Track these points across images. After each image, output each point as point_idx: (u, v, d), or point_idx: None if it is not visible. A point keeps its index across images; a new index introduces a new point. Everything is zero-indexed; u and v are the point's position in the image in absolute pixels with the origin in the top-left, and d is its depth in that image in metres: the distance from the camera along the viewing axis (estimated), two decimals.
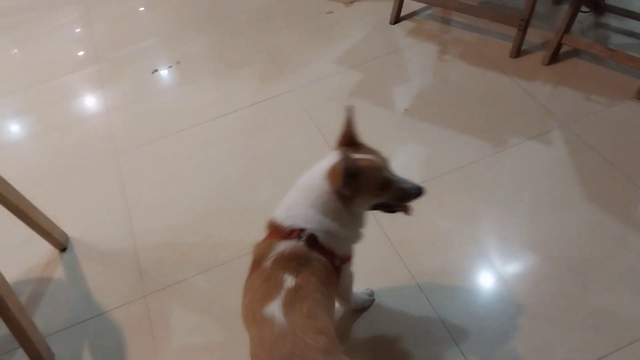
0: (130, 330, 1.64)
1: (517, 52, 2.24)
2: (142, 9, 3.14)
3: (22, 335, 1.53)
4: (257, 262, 1.23)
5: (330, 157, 1.24)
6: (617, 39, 2.23)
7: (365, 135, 2.04)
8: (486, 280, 1.57)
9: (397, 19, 2.57)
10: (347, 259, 1.33)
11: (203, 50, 2.71)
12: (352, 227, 1.28)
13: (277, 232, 1.24)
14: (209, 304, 1.65)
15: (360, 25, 2.62)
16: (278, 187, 1.96)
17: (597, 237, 1.61)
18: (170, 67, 2.62)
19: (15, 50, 3.01)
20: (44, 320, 1.70)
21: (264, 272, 1.21)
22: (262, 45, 2.63)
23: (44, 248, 1.88)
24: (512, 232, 1.65)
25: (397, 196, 1.25)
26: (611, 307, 1.45)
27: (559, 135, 1.92)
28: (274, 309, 1.16)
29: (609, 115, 1.95)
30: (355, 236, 1.32)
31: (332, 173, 1.20)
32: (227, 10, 2.93)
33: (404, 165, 1.94)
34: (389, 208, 1.29)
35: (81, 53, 2.83)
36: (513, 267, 1.58)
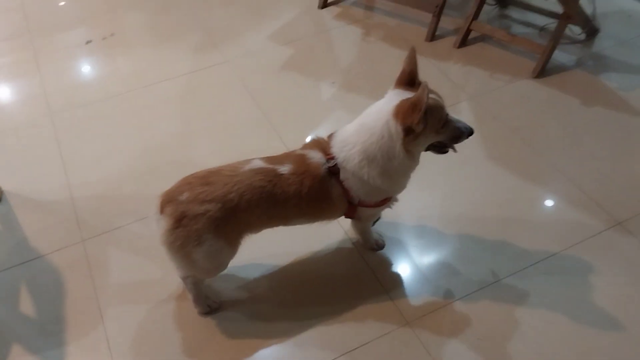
0: (69, 271, 1.70)
1: (432, 37, 2.49)
2: None
3: None
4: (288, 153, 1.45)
5: (392, 96, 1.31)
6: (517, 28, 2.52)
7: (297, 103, 2.22)
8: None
9: (325, 4, 2.76)
10: (369, 204, 1.43)
11: (137, 24, 2.78)
12: (398, 175, 1.38)
13: (320, 146, 1.40)
14: (145, 247, 1.74)
15: (290, 7, 2.78)
16: (214, 145, 2.09)
17: (494, 188, 1.85)
18: (104, 38, 2.67)
19: None
20: None
21: (287, 154, 1.44)
22: (196, 20, 2.74)
23: None
24: (428, 184, 1.85)
25: (453, 135, 1.36)
26: (507, 239, 1.69)
27: (467, 106, 2.17)
28: (257, 160, 1.40)
29: (508, 90, 2.22)
30: (397, 184, 1.42)
31: (406, 109, 1.26)
32: None
33: (330, 128, 2.11)
34: (440, 148, 1.40)
35: (13, 22, 2.82)
36: (428, 211, 1.79)
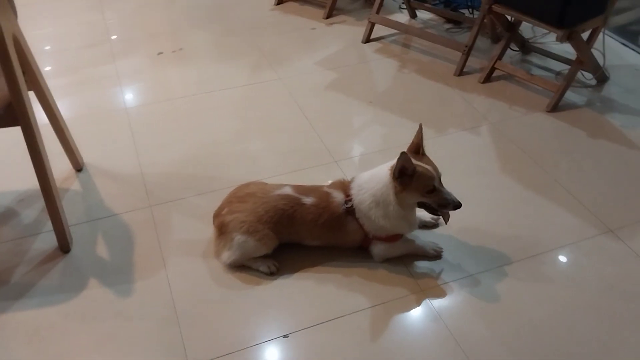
0: (138, 228, 2.01)
1: (460, 72, 2.83)
2: (150, 7, 3.61)
3: (56, 215, 1.87)
4: (316, 187, 1.84)
5: (398, 157, 1.69)
6: (536, 71, 2.86)
7: (338, 115, 2.56)
8: None
9: (367, 39, 3.14)
10: (382, 238, 1.80)
11: (203, 42, 3.20)
12: (395, 218, 1.73)
13: (343, 187, 1.80)
14: (203, 215, 2.03)
15: (338, 41, 3.18)
16: (265, 143, 2.42)
17: (507, 197, 2.14)
18: (174, 51, 3.08)
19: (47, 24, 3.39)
20: None
21: (315, 188, 1.83)
22: (255, 45, 3.14)
23: (65, 166, 2.24)
24: (447, 184, 2.14)
25: (439, 203, 1.72)
26: (513, 235, 1.96)
27: (486, 130, 2.48)
28: (287, 187, 1.82)
29: (525, 120, 2.54)
30: (397, 227, 1.77)
31: (394, 168, 1.66)
32: (225, 15, 3.45)
33: (366, 138, 2.45)
34: (431, 210, 1.75)
35: (95, 34, 3.25)
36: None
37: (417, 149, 1.74)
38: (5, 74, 1.64)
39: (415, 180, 1.66)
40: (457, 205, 1.70)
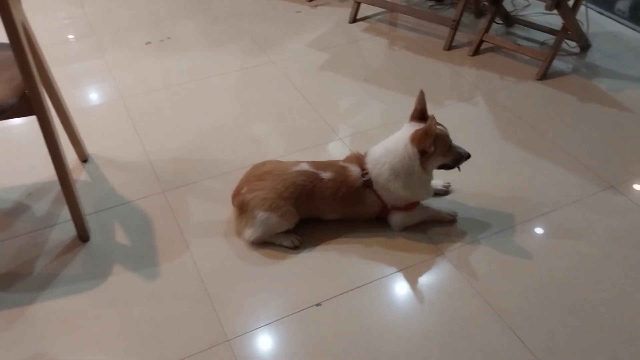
0: (154, 213, 2.01)
1: (449, 46, 2.90)
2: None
3: (74, 205, 1.86)
4: (332, 162, 1.88)
5: (408, 127, 1.77)
6: (521, 43, 2.95)
7: (336, 94, 2.60)
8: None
9: (354, 20, 3.18)
10: (400, 207, 1.85)
11: (190, 30, 3.18)
12: (416, 186, 1.79)
13: (359, 161, 1.84)
14: (218, 197, 2.05)
15: (324, 22, 3.21)
16: (267, 125, 2.44)
17: (509, 160, 2.22)
18: (162, 40, 3.06)
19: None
20: None
21: (332, 163, 1.86)
22: (242, 31, 3.14)
23: (70, 157, 2.21)
24: None
25: (454, 159, 1.80)
26: (519, 197, 2.04)
27: (482, 100, 2.56)
28: (304, 164, 1.84)
29: (516, 89, 2.62)
30: (418, 194, 1.83)
31: (420, 136, 1.69)
32: (208, 3, 3.44)
33: (367, 114, 2.50)
34: (447, 167, 1.83)
35: (78, 28, 3.20)
36: (454, 176, 2.14)
37: (421, 115, 1.81)
38: (18, 62, 1.62)
39: (438, 141, 1.73)
40: (469, 156, 1.81)
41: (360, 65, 2.84)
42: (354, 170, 1.83)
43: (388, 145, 1.81)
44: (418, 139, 1.72)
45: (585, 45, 2.86)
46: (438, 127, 1.73)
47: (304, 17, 3.27)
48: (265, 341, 1.59)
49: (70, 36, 3.12)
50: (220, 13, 3.34)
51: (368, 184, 1.81)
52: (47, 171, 2.14)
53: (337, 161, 1.89)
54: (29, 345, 1.59)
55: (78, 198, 1.88)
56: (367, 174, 1.81)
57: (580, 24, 2.83)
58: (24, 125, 2.35)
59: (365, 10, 3.22)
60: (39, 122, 1.72)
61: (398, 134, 1.81)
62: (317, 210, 1.88)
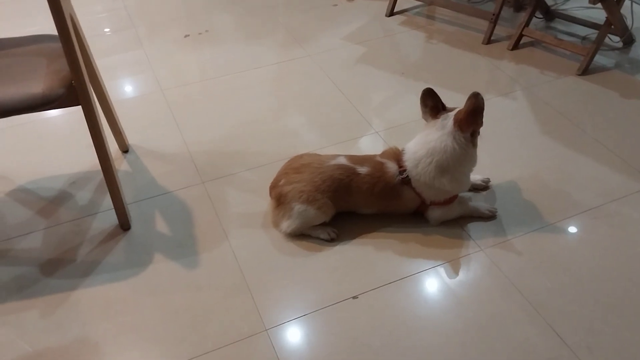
0: (194, 203, 2.04)
1: (488, 40, 2.87)
2: None
3: (116, 194, 1.90)
4: (369, 156, 1.87)
5: (439, 123, 1.74)
6: (562, 37, 2.89)
7: (373, 88, 2.59)
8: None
9: (391, 13, 3.16)
10: (439, 202, 1.84)
11: (227, 23, 3.21)
12: (462, 175, 1.79)
13: (396, 157, 1.83)
14: (256, 188, 2.07)
15: (361, 15, 3.20)
16: (304, 118, 2.45)
17: (549, 155, 2.18)
18: (200, 33, 3.09)
19: None
20: None
21: (369, 157, 1.86)
22: (278, 24, 3.15)
23: (111, 147, 2.25)
24: (492, 149, 2.19)
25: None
26: (559, 193, 2.01)
27: (522, 95, 2.52)
28: (341, 158, 1.84)
29: (557, 84, 2.58)
30: (464, 184, 1.82)
31: (467, 117, 1.68)
32: None
33: (403, 108, 2.48)
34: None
35: (118, 20, 3.26)
36: (493, 171, 2.12)
37: (437, 108, 1.79)
38: (66, 53, 1.66)
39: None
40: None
41: (397, 59, 2.83)
42: (392, 167, 1.82)
43: (430, 145, 1.76)
44: (468, 122, 1.69)
45: (628, 40, 2.79)
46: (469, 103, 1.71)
47: (341, 10, 3.27)
48: (302, 332, 1.61)
49: (107, 29, 3.18)
50: (256, 5, 3.36)
51: (406, 181, 1.81)
52: (89, 161, 2.19)
53: (374, 156, 1.89)
54: (72, 330, 1.64)
55: (120, 187, 1.92)
56: (404, 171, 1.80)
57: (624, 18, 2.76)
58: (66, 115, 2.41)
59: (403, 3, 3.20)
60: (85, 112, 1.76)
61: (434, 132, 1.76)
62: (353, 204, 1.88)
